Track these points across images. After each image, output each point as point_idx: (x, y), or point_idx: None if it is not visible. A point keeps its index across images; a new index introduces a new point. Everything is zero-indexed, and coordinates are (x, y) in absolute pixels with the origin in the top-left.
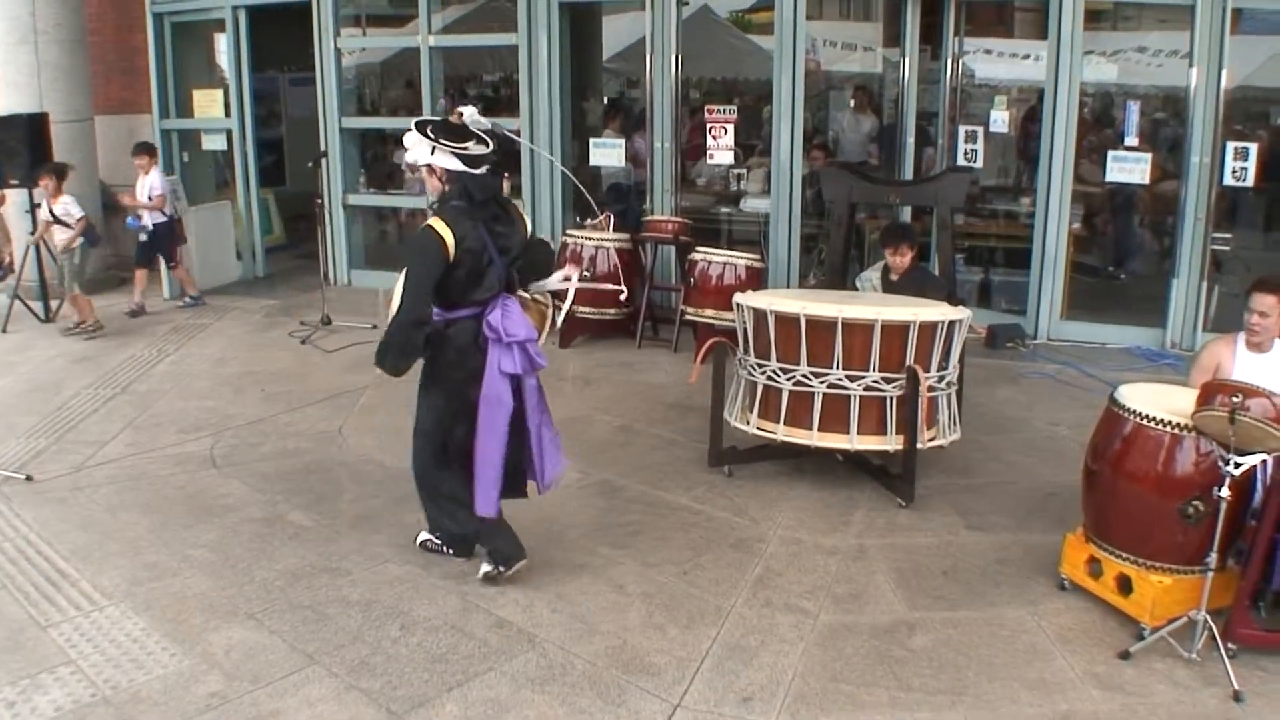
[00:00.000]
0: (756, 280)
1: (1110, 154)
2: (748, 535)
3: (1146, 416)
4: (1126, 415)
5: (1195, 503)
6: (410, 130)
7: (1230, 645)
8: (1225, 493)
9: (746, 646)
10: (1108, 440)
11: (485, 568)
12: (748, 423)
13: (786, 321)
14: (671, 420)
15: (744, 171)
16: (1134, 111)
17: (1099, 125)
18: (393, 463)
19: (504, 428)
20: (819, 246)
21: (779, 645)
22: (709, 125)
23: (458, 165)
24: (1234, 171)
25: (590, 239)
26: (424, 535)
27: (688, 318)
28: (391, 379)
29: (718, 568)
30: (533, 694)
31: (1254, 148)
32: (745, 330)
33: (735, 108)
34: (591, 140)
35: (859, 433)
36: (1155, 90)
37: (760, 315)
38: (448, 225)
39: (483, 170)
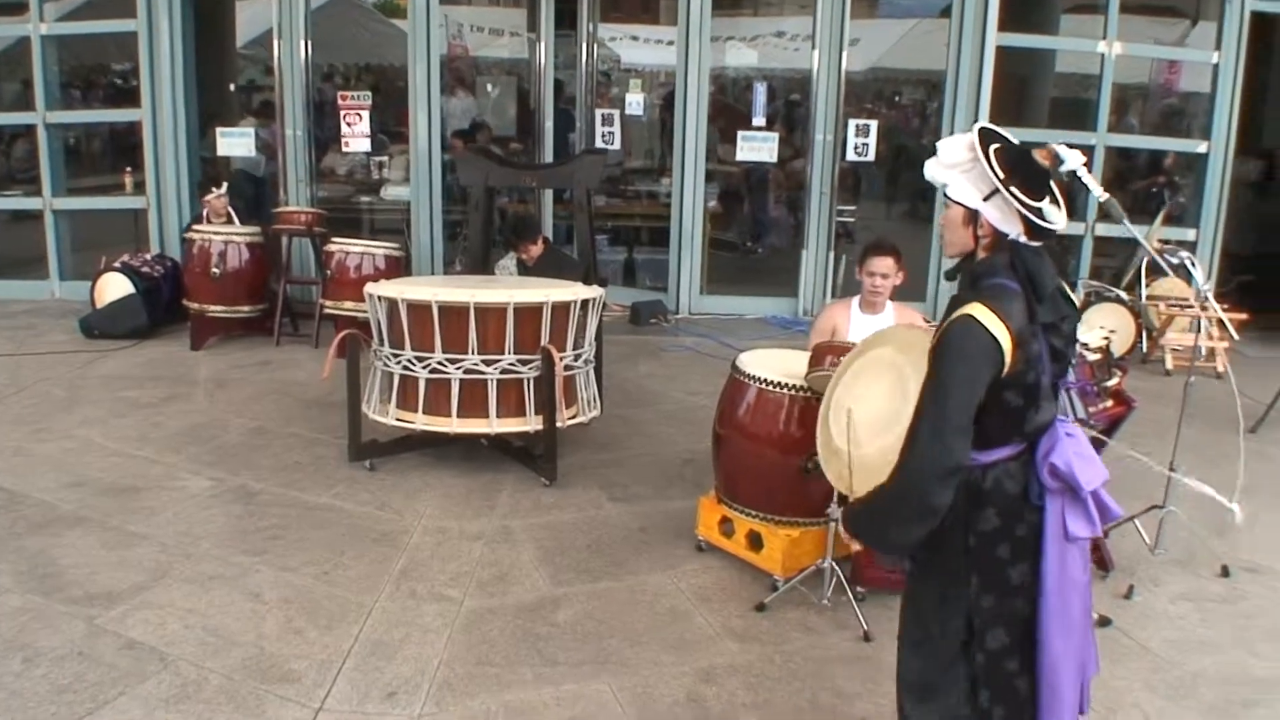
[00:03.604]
0: (398, 269)
1: (740, 134)
2: (391, 528)
3: (766, 380)
4: (748, 381)
5: (814, 458)
6: (963, 139)
7: (859, 589)
8: None
9: (390, 641)
10: (733, 406)
11: None
12: (387, 414)
13: (419, 309)
14: (311, 418)
15: (385, 159)
16: (761, 93)
17: (738, 108)
18: (11, 485)
19: (1080, 617)
20: (463, 233)
21: (423, 636)
22: (343, 112)
23: (1015, 230)
24: (856, 148)
25: (219, 234)
26: None
27: (327, 311)
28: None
29: (360, 564)
30: (167, 714)
31: (874, 125)
32: (379, 321)
33: (370, 94)
34: (219, 130)
35: (499, 416)
36: (792, 73)
37: (393, 304)
38: (1001, 318)
39: (1039, 245)
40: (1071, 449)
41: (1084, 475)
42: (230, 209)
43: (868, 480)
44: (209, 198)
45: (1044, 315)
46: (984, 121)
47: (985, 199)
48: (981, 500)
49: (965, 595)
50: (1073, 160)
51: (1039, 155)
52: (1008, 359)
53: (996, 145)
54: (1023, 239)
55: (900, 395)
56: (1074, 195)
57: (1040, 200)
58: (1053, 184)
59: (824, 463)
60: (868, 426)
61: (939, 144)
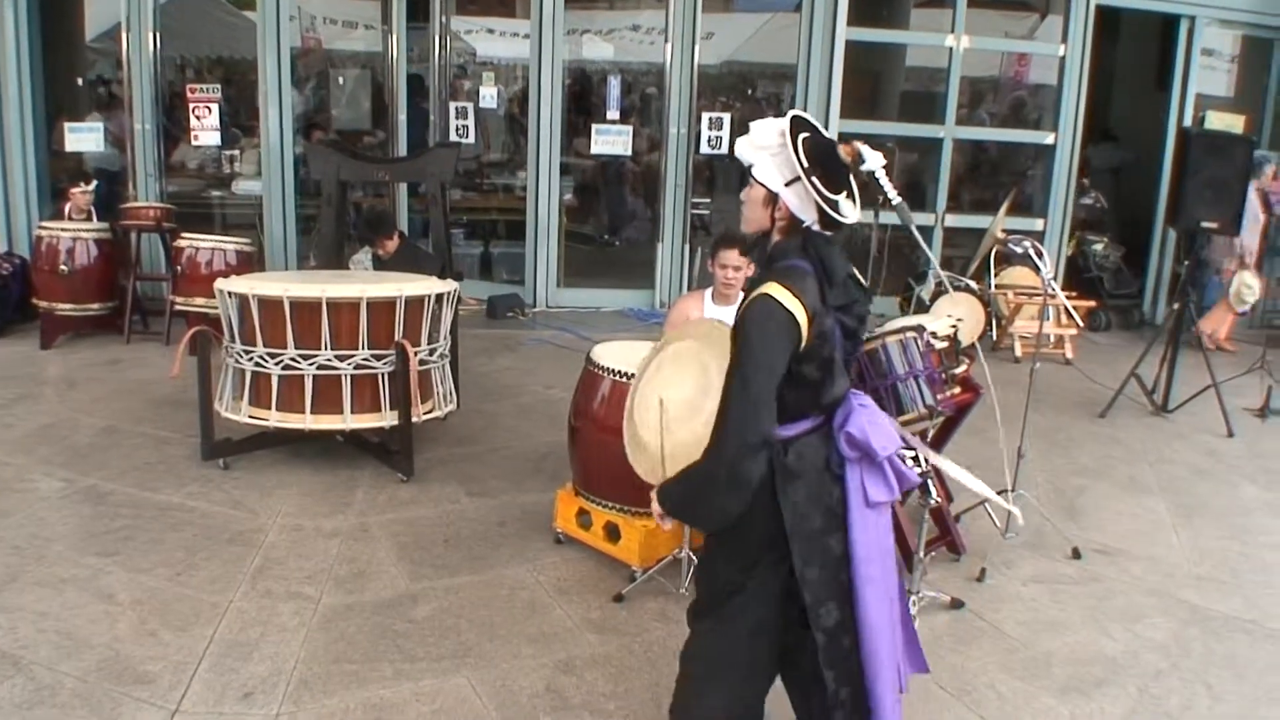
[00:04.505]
0: (249, 265)
1: (594, 128)
2: (246, 527)
3: (619, 373)
4: (602, 373)
5: None
6: (776, 123)
7: None
8: None
9: (246, 641)
10: (587, 398)
11: None
12: (239, 412)
13: (270, 304)
14: (163, 417)
15: (236, 153)
16: (615, 87)
17: (594, 101)
18: None
19: (896, 590)
20: (317, 227)
21: (280, 635)
22: (191, 105)
23: (811, 218)
24: (710, 140)
25: (66, 230)
26: None
27: (178, 308)
28: None
29: (214, 565)
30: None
31: (728, 118)
32: (230, 317)
33: (219, 86)
34: (67, 125)
35: (354, 412)
36: (648, 67)
37: (244, 300)
38: (796, 295)
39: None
40: (865, 418)
41: (878, 441)
42: (92, 207)
43: (682, 465)
44: (75, 191)
45: (835, 299)
46: (835, 114)
47: (787, 184)
48: (789, 473)
49: (775, 574)
50: (873, 161)
51: (843, 151)
52: (804, 333)
53: (806, 135)
54: (816, 227)
55: (704, 382)
56: (924, 189)
57: (838, 193)
58: (851, 180)
59: (631, 458)
60: (678, 412)
61: (752, 124)
